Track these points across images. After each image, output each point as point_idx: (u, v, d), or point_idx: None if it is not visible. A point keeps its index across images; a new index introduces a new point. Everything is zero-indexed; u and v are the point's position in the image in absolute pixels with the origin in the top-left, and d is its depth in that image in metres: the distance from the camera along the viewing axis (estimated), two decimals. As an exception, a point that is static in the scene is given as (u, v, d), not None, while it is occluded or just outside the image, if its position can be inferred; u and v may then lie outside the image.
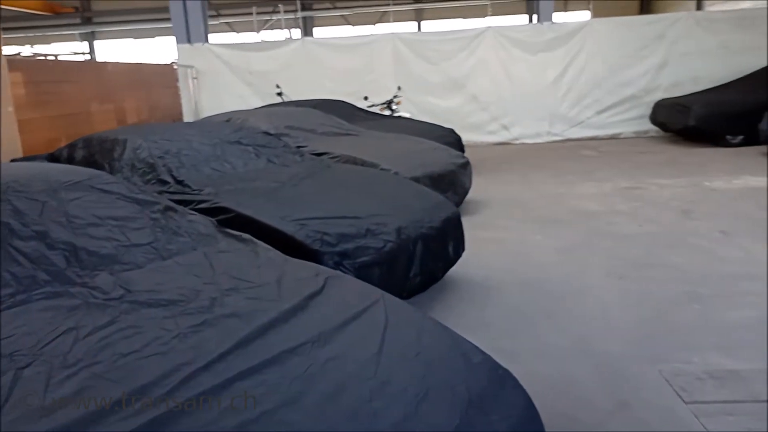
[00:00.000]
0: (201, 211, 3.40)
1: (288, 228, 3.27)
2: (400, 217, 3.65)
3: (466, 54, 11.33)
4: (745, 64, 10.49)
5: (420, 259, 3.58)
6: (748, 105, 9.19)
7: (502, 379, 1.78)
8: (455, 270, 4.13)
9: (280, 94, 10.77)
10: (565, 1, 21.44)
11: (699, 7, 17.95)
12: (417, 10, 22.52)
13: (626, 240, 5.00)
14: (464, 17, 20.47)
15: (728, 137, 9.35)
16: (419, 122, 9.18)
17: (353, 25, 22.06)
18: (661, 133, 10.84)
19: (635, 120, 11.11)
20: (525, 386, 2.72)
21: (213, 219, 3.01)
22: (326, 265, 3.14)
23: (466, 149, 8.59)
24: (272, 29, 18.98)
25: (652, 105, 10.73)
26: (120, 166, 4.26)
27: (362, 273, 3.22)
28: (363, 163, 5.57)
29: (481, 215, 6.16)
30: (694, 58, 10.85)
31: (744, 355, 2.98)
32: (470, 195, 6.46)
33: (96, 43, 23.38)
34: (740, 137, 9.25)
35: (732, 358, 2.97)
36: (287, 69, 11.58)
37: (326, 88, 11.15)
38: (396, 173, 5.34)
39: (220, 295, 1.97)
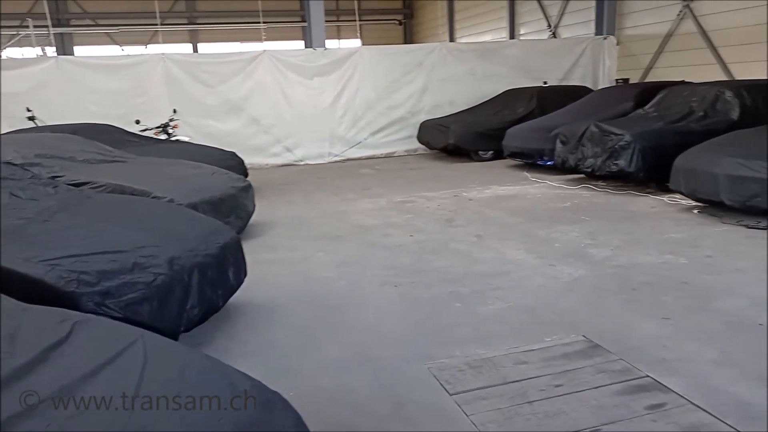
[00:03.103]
0: None
1: (35, 270, 2.89)
2: (172, 247, 3.46)
3: (243, 77, 11.28)
4: (489, 89, 12.17)
5: (197, 289, 3.43)
6: (494, 125, 10.64)
7: (270, 404, 1.77)
8: (239, 296, 4.04)
9: (31, 118, 9.52)
10: (338, 29, 22.67)
11: (452, 38, 20.38)
12: (191, 32, 21.81)
13: (399, 250, 5.41)
14: (241, 41, 20.37)
15: (480, 153, 10.73)
16: (198, 146, 8.87)
17: (121, 45, 20.49)
18: (428, 150, 12.02)
19: (406, 139, 12.15)
20: (307, 402, 2.77)
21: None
22: (85, 307, 2.85)
23: (251, 172, 8.54)
24: (20, 46, 16.73)
25: (418, 125, 11.84)
26: None
27: (130, 311, 2.98)
28: (132, 192, 5.18)
29: (266, 237, 6.15)
30: (449, 84, 12.28)
31: (495, 344, 3.41)
32: (255, 218, 6.41)
33: None
34: (490, 152, 10.67)
35: (486, 347, 3.37)
36: (40, 90, 10.28)
37: (90, 111, 10.14)
38: (170, 200, 5.07)
39: (-72, 362, 1.65)
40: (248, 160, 9.06)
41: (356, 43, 20.10)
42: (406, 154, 12.22)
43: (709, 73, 10.70)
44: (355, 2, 18.19)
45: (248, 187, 6.31)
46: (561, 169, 8.36)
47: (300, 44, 20.19)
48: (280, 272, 4.96)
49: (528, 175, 9.03)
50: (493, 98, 11.93)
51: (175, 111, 10.20)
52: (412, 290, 4.37)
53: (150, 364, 1.75)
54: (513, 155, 9.91)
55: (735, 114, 7.30)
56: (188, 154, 7.45)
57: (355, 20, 17.53)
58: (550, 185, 8.15)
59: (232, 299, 3.95)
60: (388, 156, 12.11)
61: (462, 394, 2.89)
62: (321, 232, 6.27)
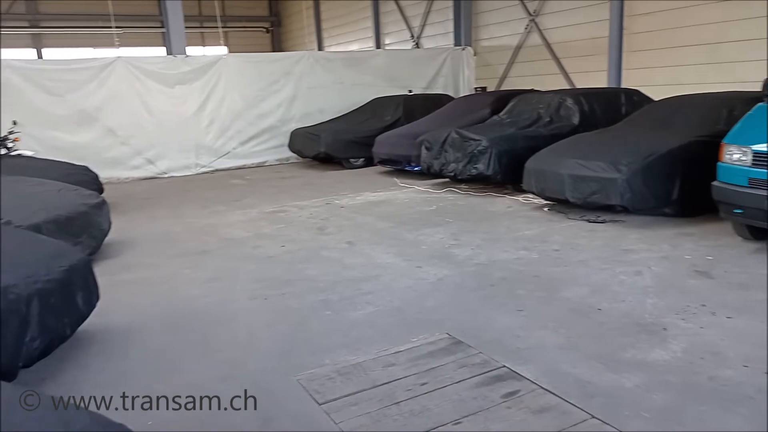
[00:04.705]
0: None
1: None
2: (6, 275, 3.11)
3: (95, 85, 10.50)
4: (358, 97, 12.35)
5: (37, 319, 3.12)
6: (363, 132, 10.83)
7: (114, 437, 1.65)
8: (91, 322, 3.73)
9: None
10: (203, 35, 21.86)
11: (320, 47, 20.47)
12: (34, 36, 19.90)
13: (270, 261, 5.31)
14: (93, 46, 18.92)
15: (352, 160, 10.87)
16: (43, 161, 8.12)
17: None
18: (300, 159, 11.95)
19: (277, 148, 11.99)
20: (168, 429, 2.63)
21: None
22: None
23: (108, 187, 7.98)
24: None
25: (289, 134, 11.72)
26: None
27: (-46, 350, 2.64)
28: (-41, 215, 4.60)
29: (126, 256, 5.75)
30: (318, 92, 12.31)
31: (364, 348, 3.45)
32: (112, 236, 5.98)
33: None
34: (361, 160, 10.84)
35: (355, 353, 3.40)
36: None
37: None
38: (7, 222, 4.57)
39: None
40: (104, 174, 8.47)
41: (222, 50, 19.53)
42: (277, 163, 12.06)
43: (555, 81, 11.74)
44: (216, 7, 17.59)
45: (102, 204, 5.87)
46: (427, 174, 8.69)
47: (162, 51, 19.16)
48: (140, 293, 4.66)
49: (397, 180, 9.29)
50: (361, 106, 12.12)
51: (14, 123, 9.19)
52: (283, 301, 4.31)
53: (-35, 410, 1.55)
54: (382, 162, 10.15)
55: (576, 119, 8.06)
56: (31, 170, 6.80)
57: (218, 26, 16.98)
58: (418, 190, 8.44)
59: (83, 326, 3.64)
60: (260, 165, 11.88)
61: (331, 402, 2.89)
62: (187, 247, 5.99)
